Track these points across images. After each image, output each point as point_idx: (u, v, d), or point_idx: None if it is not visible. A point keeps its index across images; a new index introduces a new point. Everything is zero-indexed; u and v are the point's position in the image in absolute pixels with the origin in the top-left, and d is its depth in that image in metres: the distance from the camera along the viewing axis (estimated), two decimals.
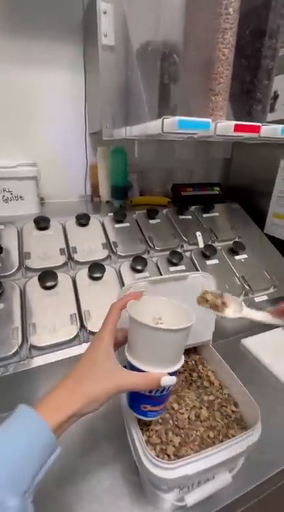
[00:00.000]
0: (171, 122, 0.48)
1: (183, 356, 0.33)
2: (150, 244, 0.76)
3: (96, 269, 0.64)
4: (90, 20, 0.69)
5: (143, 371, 0.30)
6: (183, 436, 0.35)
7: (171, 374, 0.31)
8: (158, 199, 0.96)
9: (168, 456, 0.33)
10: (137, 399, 0.33)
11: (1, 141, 0.83)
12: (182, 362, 0.32)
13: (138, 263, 0.67)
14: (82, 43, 0.81)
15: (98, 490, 0.37)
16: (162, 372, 0.30)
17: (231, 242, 0.84)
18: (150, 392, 0.31)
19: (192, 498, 0.33)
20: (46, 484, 0.36)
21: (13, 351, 0.51)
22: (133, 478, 0.38)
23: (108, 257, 0.71)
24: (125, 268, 0.68)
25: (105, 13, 0.61)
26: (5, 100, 0.80)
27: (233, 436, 0.35)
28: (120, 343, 0.34)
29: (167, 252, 0.73)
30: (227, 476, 0.34)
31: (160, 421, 0.36)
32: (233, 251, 0.82)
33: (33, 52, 0.78)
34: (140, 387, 0.30)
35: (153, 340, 0.30)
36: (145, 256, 0.71)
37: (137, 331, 0.31)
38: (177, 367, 0.32)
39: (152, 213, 0.83)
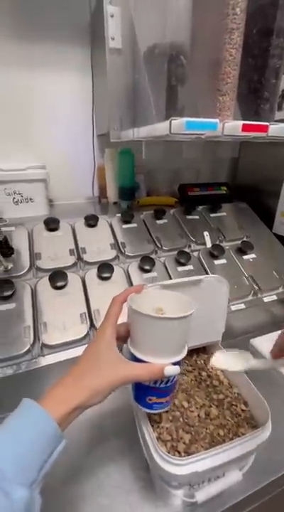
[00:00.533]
0: (179, 123, 0.49)
1: (187, 347, 0.33)
2: (158, 244, 0.77)
3: (104, 269, 0.65)
4: (97, 24, 0.70)
5: (146, 362, 0.30)
6: (193, 433, 0.35)
7: (175, 364, 0.31)
8: (165, 199, 0.97)
9: (179, 453, 0.34)
10: (142, 391, 0.33)
11: (11, 144, 0.85)
12: (185, 352, 0.32)
13: (146, 263, 0.68)
14: (89, 46, 0.82)
15: (108, 485, 0.37)
16: (165, 362, 0.30)
17: (239, 242, 0.83)
18: (155, 383, 0.32)
19: (202, 495, 0.33)
20: (57, 479, 0.37)
21: (25, 349, 0.52)
22: (142, 474, 0.38)
23: (117, 257, 0.72)
24: (133, 268, 0.69)
25: (112, 16, 0.62)
26: (14, 104, 0.82)
27: (243, 434, 0.35)
28: (123, 338, 0.34)
29: (175, 252, 0.74)
30: (237, 474, 0.35)
31: (170, 418, 0.37)
32: (242, 251, 0.81)
33: (41, 55, 0.79)
34: (143, 377, 0.30)
35: (153, 330, 0.30)
36: (152, 256, 0.72)
37: (137, 321, 0.31)
38: (180, 357, 0.32)
39: (159, 214, 0.83)
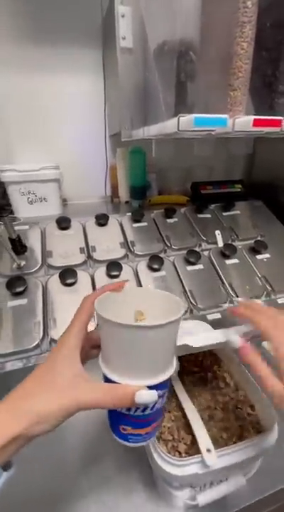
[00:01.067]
0: (187, 120, 0.48)
1: (174, 363, 0.27)
2: (167, 243, 0.76)
3: (113, 267, 0.65)
4: (109, 25, 0.71)
5: (116, 383, 0.24)
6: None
7: (152, 387, 0.24)
8: (177, 198, 0.96)
9: (179, 453, 0.33)
10: (114, 417, 0.27)
11: (26, 145, 0.88)
12: (171, 371, 0.26)
13: (155, 262, 0.67)
14: (101, 47, 0.83)
15: (111, 483, 0.37)
16: (136, 385, 0.24)
17: (253, 241, 0.81)
18: (128, 410, 0.25)
19: (203, 498, 0.32)
20: (60, 475, 0.37)
21: (35, 344, 0.53)
22: (146, 475, 0.38)
23: (126, 255, 0.72)
24: (142, 267, 0.69)
25: (123, 16, 0.62)
26: (29, 106, 0.84)
27: (248, 438, 0.34)
28: (97, 346, 0.29)
29: (185, 251, 0.73)
30: (241, 479, 0.34)
31: (172, 418, 0.37)
32: (255, 250, 0.79)
33: (55, 58, 0.81)
34: (105, 404, 0.24)
35: (121, 341, 0.24)
36: (161, 255, 0.72)
37: (103, 329, 0.25)
38: (160, 379, 0.25)
39: (169, 212, 0.83)
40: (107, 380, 0.25)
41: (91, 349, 0.29)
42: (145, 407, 0.25)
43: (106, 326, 0.24)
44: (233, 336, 0.32)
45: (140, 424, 0.26)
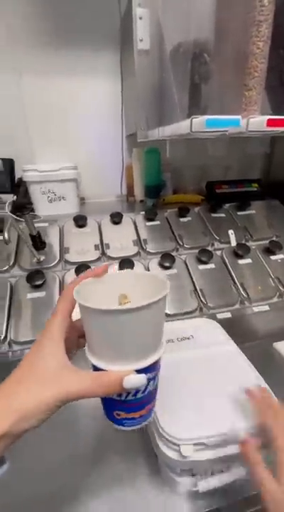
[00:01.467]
0: (199, 122, 0.49)
1: (163, 346, 0.26)
2: (180, 241, 0.77)
3: (126, 264, 0.67)
4: (127, 27, 0.73)
5: (103, 370, 0.24)
6: None
7: (140, 371, 0.23)
8: (191, 197, 0.96)
9: None
10: (107, 403, 0.26)
11: (47, 146, 0.92)
12: (160, 353, 0.25)
13: (166, 260, 0.69)
14: (119, 50, 0.85)
15: (118, 469, 0.39)
16: (123, 370, 0.23)
17: (267, 242, 0.80)
18: (119, 395, 0.25)
19: (204, 485, 0.34)
20: (65, 460, 0.39)
21: None
22: (151, 463, 0.40)
23: (138, 253, 0.74)
24: (153, 265, 0.71)
25: (141, 18, 0.64)
26: (49, 108, 0.88)
27: None
28: (84, 335, 0.27)
29: (197, 250, 0.73)
30: (242, 471, 0.35)
31: None
32: (269, 250, 0.78)
33: (75, 60, 0.84)
34: (93, 393, 0.23)
35: (103, 327, 0.23)
36: (173, 253, 0.73)
37: (84, 317, 0.24)
38: (150, 361, 0.24)
39: (183, 211, 0.84)
40: (96, 368, 0.25)
41: (78, 338, 0.28)
42: (137, 391, 0.24)
43: (86, 314, 0.23)
44: (239, 427, 0.31)
45: (134, 408, 0.26)
